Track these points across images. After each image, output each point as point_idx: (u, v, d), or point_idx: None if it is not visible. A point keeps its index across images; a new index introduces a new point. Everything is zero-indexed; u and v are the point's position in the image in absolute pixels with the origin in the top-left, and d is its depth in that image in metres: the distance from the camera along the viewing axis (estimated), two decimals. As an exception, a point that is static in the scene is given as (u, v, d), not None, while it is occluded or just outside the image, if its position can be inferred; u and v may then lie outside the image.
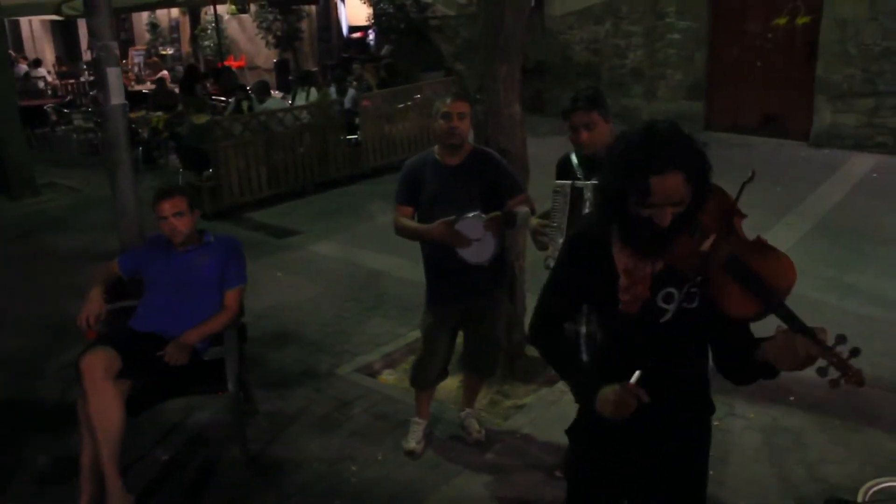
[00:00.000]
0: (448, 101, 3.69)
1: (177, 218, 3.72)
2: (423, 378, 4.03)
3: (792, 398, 4.48)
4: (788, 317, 1.92)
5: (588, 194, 3.08)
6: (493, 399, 4.67)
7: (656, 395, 2.09)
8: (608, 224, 2.09)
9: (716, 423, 4.07)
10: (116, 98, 6.68)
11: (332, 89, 11.03)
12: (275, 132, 8.96)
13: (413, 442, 4.03)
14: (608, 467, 2.34)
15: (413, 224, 3.71)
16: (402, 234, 3.79)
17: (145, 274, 3.88)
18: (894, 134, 9.90)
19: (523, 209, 3.64)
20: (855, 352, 1.87)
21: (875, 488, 3.40)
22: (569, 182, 3.14)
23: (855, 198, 8.32)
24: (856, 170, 9.43)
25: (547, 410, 4.44)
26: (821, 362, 1.90)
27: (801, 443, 4.09)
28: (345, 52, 16.73)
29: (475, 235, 3.55)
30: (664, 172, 1.90)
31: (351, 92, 10.85)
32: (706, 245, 2.00)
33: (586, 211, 3.09)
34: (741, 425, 4.24)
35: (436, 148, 3.79)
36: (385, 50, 15.25)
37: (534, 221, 3.47)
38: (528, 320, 4.77)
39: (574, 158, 3.29)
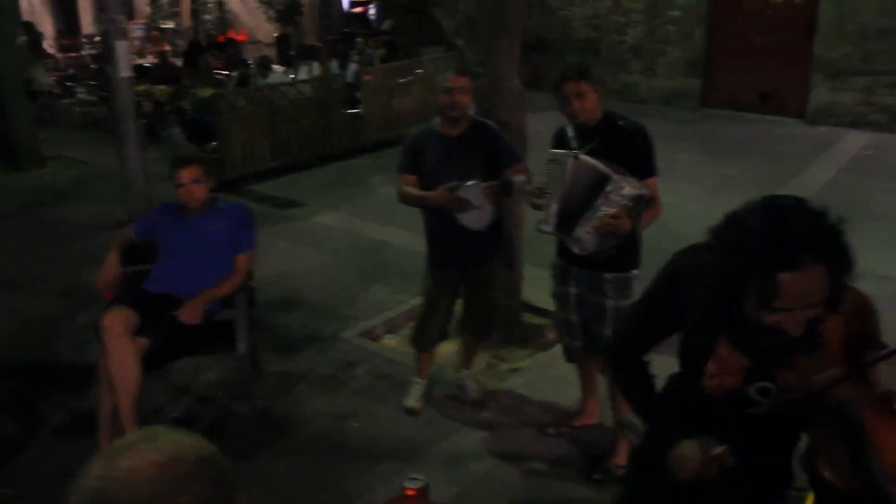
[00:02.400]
0: (449, 75, 3.86)
1: (194, 185, 3.89)
2: (424, 339, 4.22)
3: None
4: None
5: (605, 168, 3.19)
6: (490, 362, 4.87)
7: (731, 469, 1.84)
8: (717, 326, 1.74)
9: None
10: (125, 71, 6.88)
11: (335, 64, 11.14)
12: (278, 105, 9.09)
13: (413, 400, 4.24)
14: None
15: (416, 191, 3.89)
16: (405, 202, 3.97)
17: (159, 238, 4.06)
18: (888, 112, 10.05)
19: (521, 178, 3.82)
20: None
21: None
22: (563, 151, 3.31)
23: (847, 175, 8.48)
24: (850, 147, 9.59)
25: (542, 372, 4.65)
26: None
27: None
28: (346, 28, 16.78)
29: (474, 203, 3.74)
30: (800, 268, 1.50)
31: (353, 66, 10.97)
32: (824, 378, 1.64)
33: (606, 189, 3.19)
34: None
35: (437, 119, 3.97)
36: (386, 25, 15.32)
37: (529, 188, 3.64)
38: (524, 288, 5.04)
39: (569, 130, 3.46)
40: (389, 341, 5.18)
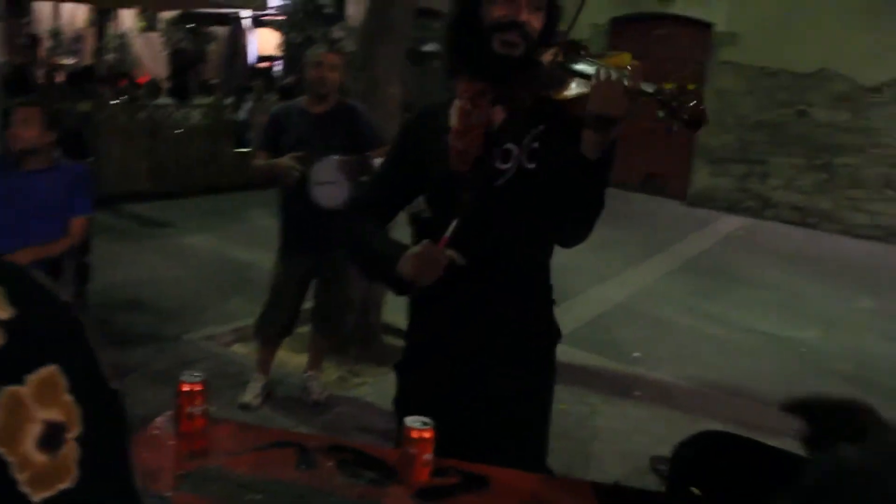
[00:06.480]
0: (321, 50, 3.75)
1: (21, 125, 3.58)
2: (266, 330, 3.96)
3: (637, 393, 4.61)
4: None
5: None
6: (343, 376, 4.61)
7: (488, 294, 1.89)
8: (461, 52, 1.88)
9: (562, 406, 4.18)
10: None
11: (230, 100, 10.94)
12: (162, 127, 8.79)
13: (250, 396, 3.93)
14: (439, 403, 1.95)
15: (265, 162, 3.73)
16: (256, 176, 3.82)
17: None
18: (760, 199, 10.52)
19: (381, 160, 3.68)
20: (684, 90, 1.60)
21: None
22: None
23: (721, 247, 8.78)
24: (724, 227, 9.94)
25: (393, 384, 4.40)
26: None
27: (642, 429, 4.19)
28: (250, 81, 16.63)
29: (329, 178, 3.57)
30: None
31: (247, 105, 10.79)
32: (547, 55, 1.77)
33: None
34: (586, 411, 4.32)
35: (304, 97, 3.83)
36: (289, 79, 15.26)
37: None
38: (390, 311, 4.85)
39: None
40: (240, 349, 4.86)
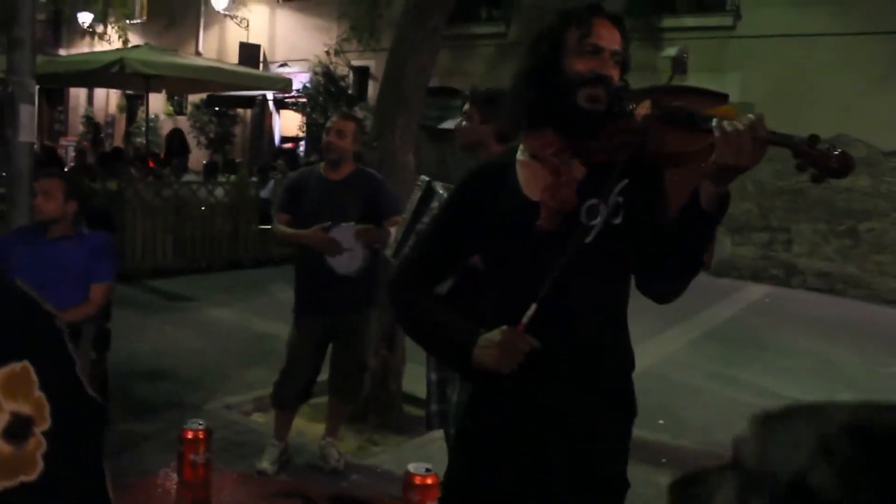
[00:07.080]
0: (334, 118, 3.83)
1: (43, 197, 3.67)
2: (283, 395, 3.94)
3: (663, 460, 4.51)
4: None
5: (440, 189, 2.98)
6: (363, 445, 4.56)
7: (570, 361, 1.78)
8: (540, 106, 1.80)
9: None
10: (26, 135, 6.65)
11: (255, 179, 11.16)
12: (186, 203, 8.97)
13: (267, 462, 3.88)
14: (507, 481, 1.82)
15: (290, 230, 3.78)
16: (278, 240, 3.87)
17: (10, 260, 3.77)
18: (784, 267, 10.42)
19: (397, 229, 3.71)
20: (815, 139, 1.58)
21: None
22: (426, 178, 3.21)
23: (745, 315, 8.67)
24: (749, 296, 9.84)
25: (413, 452, 4.34)
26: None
27: (665, 497, 4.07)
28: (274, 161, 16.98)
29: (345, 245, 3.62)
30: (605, 17, 1.79)
31: (271, 183, 10.98)
32: (641, 110, 1.75)
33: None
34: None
35: (321, 163, 3.91)
36: (313, 158, 15.56)
37: None
38: (411, 382, 4.81)
39: None
40: (259, 418, 4.83)
